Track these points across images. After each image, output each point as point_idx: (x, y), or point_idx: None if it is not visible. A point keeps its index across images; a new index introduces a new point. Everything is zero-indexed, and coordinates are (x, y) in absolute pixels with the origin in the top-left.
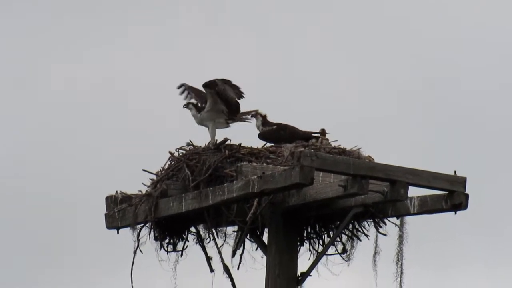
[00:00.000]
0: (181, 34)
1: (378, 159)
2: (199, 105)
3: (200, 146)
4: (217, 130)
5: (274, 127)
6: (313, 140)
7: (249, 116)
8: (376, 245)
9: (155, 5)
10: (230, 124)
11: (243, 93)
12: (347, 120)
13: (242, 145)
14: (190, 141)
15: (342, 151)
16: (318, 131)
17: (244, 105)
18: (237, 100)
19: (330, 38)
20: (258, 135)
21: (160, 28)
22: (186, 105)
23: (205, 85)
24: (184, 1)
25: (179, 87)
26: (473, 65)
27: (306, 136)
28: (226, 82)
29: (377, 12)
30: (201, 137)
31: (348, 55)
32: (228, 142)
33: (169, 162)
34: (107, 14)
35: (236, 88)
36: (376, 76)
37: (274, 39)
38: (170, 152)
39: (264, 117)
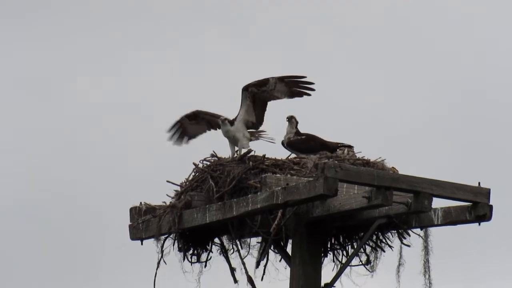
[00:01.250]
0: (207, 48)
1: (402, 170)
2: (231, 119)
3: (225, 158)
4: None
5: (303, 137)
6: (339, 152)
7: (268, 135)
8: (400, 257)
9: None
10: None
11: (310, 87)
12: (371, 132)
13: (266, 156)
14: (214, 152)
15: (366, 163)
16: (344, 143)
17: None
18: (298, 96)
19: (356, 55)
20: (287, 144)
21: (187, 42)
22: (222, 121)
23: (247, 87)
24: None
25: (170, 129)
26: (499, 78)
27: (333, 147)
28: (282, 79)
29: (401, 31)
30: (225, 148)
31: (373, 68)
32: (252, 153)
33: (193, 173)
34: (134, 26)
35: (295, 84)
36: (401, 89)
37: (300, 54)
38: (194, 164)
39: (297, 124)
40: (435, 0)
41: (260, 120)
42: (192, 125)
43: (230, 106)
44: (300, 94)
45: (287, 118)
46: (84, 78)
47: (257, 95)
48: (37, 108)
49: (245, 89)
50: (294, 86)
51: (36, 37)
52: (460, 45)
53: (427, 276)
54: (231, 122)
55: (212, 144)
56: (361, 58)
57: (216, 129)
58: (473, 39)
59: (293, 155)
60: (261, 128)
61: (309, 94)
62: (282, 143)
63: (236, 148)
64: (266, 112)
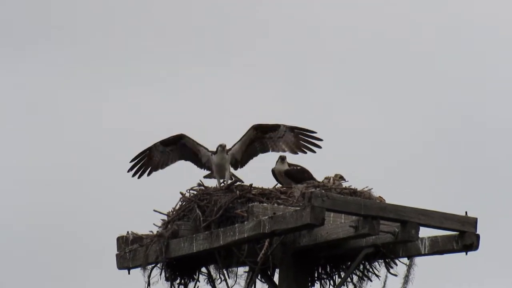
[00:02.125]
0: (201, 79)
1: (389, 200)
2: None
3: (211, 187)
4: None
5: (299, 167)
6: (325, 180)
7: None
8: (384, 286)
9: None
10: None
11: (318, 144)
12: (359, 162)
13: (253, 185)
14: (201, 181)
15: (353, 192)
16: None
17: None
18: (302, 151)
19: (346, 83)
20: (285, 173)
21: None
22: (223, 148)
23: (257, 127)
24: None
25: (134, 159)
26: (484, 105)
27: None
28: (293, 129)
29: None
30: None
31: (363, 94)
32: (238, 182)
33: (180, 203)
34: (135, 61)
35: (303, 138)
36: (387, 118)
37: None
38: (181, 193)
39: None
40: (431, 25)
41: (243, 163)
42: (163, 153)
43: (215, 135)
44: (305, 150)
45: (281, 158)
46: (72, 103)
47: (262, 139)
48: (25, 136)
49: (255, 128)
50: (302, 140)
51: (36, 64)
52: (456, 72)
53: None
54: (227, 151)
55: (199, 174)
56: (349, 85)
57: (187, 160)
58: (469, 65)
59: (279, 185)
60: (237, 173)
61: (314, 151)
62: (272, 171)
63: (222, 180)
64: (251, 160)
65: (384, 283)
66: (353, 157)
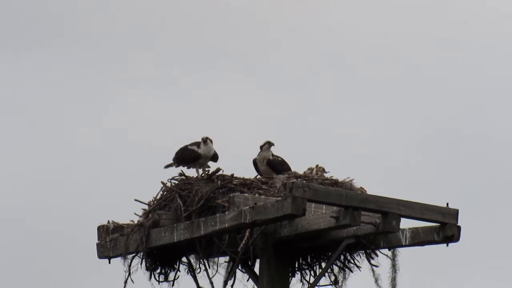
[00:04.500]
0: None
1: (370, 191)
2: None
3: (193, 177)
4: None
5: (280, 159)
6: (307, 171)
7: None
8: (374, 275)
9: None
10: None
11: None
12: (341, 152)
13: (234, 175)
14: (182, 171)
15: (335, 183)
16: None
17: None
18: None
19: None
20: (267, 163)
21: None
22: (211, 140)
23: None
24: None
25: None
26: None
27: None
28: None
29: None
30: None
31: (371, 104)
32: (220, 172)
33: (161, 192)
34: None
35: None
36: (368, 110)
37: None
38: (162, 182)
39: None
40: (433, 37)
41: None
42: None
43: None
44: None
45: (268, 143)
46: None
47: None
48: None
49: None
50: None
51: (38, 73)
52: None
53: None
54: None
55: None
56: (360, 95)
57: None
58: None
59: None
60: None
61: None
62: (254, 162)
63: (200, 170)
64: None
65: (373, 271)
66: (335, 149)
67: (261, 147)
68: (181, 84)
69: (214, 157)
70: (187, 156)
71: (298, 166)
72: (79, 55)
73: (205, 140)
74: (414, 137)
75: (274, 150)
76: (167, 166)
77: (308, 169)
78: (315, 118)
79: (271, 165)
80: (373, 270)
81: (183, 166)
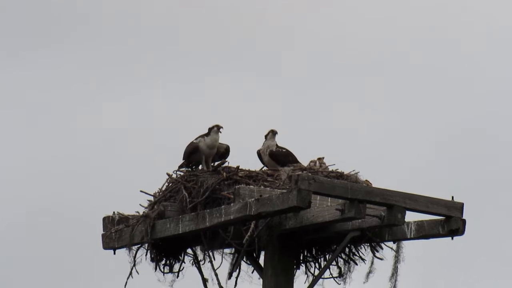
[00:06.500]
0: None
1: (375, 184)
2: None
3: (198, 168)
4: None
5: (284, 150)
6: (311, 164)
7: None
8: (371, 266)
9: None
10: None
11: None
12: (346, 145)
13: (240, 167)
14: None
15: (340, 175)
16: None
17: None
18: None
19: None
20: (269, 154)
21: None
22: (221, 129)
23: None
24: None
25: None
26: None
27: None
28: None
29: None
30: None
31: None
32: (226, 164)
33: (166, 184)
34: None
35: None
36: (375, 106)
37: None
38: (168, 174)
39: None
40: (437, 42)
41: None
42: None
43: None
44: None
45: (272, 131)
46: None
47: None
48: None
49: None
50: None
51: (43, 66)
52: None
53: (392, 281)
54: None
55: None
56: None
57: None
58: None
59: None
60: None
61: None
62: (258, 153)
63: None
64: None
65: (372, 263)
66: (342, 141)
67: (266, 136)
68: (193, 82)
69: (225, 152)
70: (186, 149)
71: (305, 159)
72: (92, 52)
73: (211, 129)
74: (422, 132)
75: (282, 143)
76: (180, 166)
77: (311, 161)
78: (327, 114)
79: (273, 157)
80: (372, 262)
81: (191, 164)
